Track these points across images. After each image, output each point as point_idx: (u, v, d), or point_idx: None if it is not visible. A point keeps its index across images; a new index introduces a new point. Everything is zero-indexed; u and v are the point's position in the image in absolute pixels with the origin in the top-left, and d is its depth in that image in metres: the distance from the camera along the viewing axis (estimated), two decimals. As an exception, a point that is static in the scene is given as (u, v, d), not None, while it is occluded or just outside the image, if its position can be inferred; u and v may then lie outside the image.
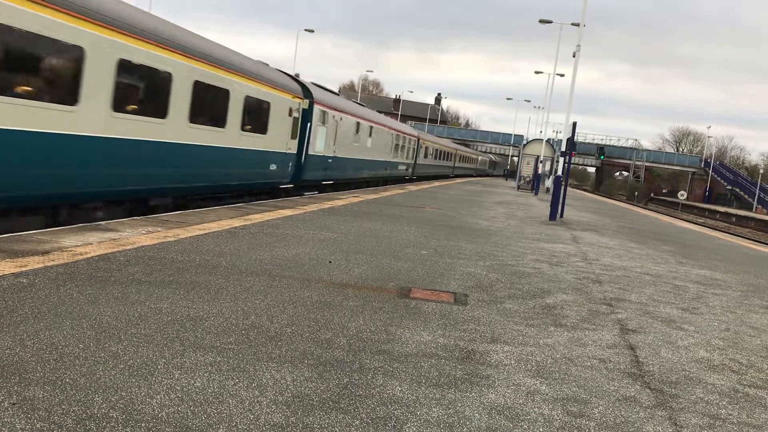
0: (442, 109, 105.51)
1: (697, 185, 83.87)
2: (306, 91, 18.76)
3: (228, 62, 13.39)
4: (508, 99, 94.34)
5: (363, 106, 29.15)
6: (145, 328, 4.62)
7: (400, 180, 37.12)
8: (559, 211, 19.75)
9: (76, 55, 8.73)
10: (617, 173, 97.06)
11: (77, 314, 4.74)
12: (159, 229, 8.92)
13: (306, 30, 53.59)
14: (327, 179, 22.05)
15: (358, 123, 24.96)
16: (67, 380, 3.58)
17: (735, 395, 4.71)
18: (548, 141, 48.42)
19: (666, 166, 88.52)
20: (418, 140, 41.01)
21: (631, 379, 4.79)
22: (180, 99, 11.46)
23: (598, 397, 4.33)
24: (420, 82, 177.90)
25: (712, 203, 75.25)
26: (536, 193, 40.02)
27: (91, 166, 9.50)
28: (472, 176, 72.95)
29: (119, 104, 9.81)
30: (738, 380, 5.08)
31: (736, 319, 7.45)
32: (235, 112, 13.75)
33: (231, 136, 13.75)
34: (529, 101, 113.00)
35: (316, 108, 19.17)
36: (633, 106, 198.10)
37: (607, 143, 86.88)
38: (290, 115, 17.32)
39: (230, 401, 3.56)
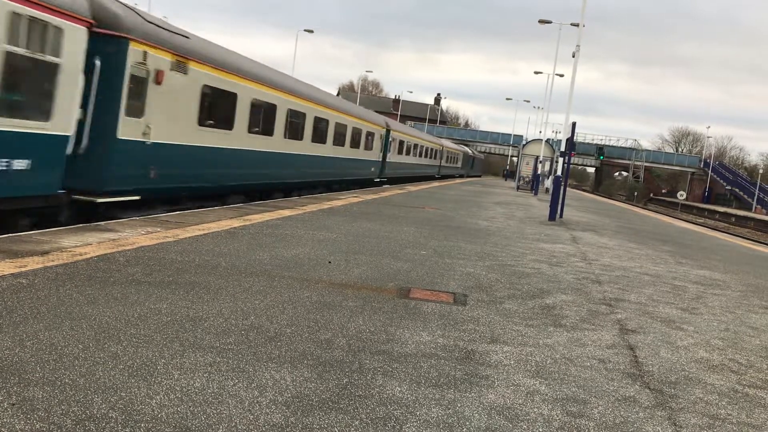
0: (441, 110, 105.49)
1: (696, 185, 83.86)
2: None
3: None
4: (507, 99, 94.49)
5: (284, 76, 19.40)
6: (144, 328, 4.62)
7: (362, 183, 28.47)
8: (559, 211, 19.75)
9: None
10: (617, 173, 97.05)
11: (77, 314, 4.74)
12: (158, 229, 8.91)
13: (306, 30, 53.58)
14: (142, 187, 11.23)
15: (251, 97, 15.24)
16: (67, 380, 3.58)
17: (734, 395, 4.71)
18: (548, 141, 48.40)
19: (665, 167, 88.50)
20: (388, 131, 31.98)
21: (631, 379, 4.80)
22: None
23: (597, 397, 4.33)
24: (419, 82, 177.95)
25: (712, 203, 75.23)
26: (536, 194, 40.03)
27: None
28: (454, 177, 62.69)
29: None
30: (737, 380, 5.08)
31: (736, 319, 7.45)
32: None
33: None
34: (528, 101, 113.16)
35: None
36: (632, 106, 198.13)
37: (607, 143, 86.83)
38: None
39: (230, 401, 3.56)
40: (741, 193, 79.73)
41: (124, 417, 3.23)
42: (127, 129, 10.43)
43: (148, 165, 11.17)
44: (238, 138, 14.86)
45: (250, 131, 15.50)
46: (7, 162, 8.14)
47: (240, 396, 3.65)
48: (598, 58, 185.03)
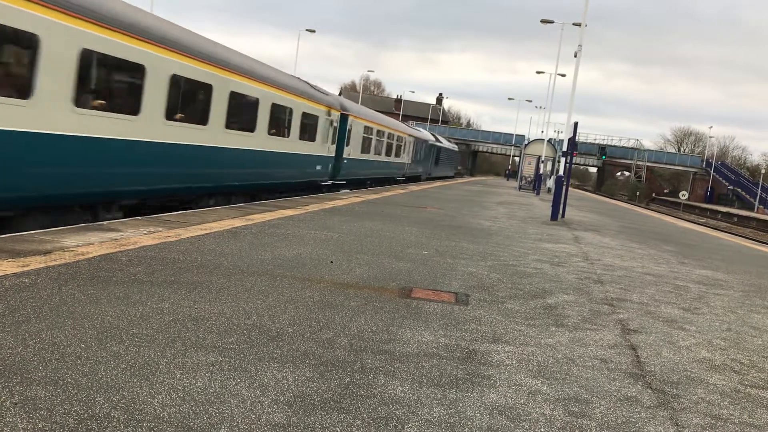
0: (443, 110, 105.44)
1: (698, 185, 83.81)
2: None
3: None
4: (509, 99, 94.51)
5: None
6: (146, 327, 4.63)
7: (312, 188, 21.72)
8: (561, 211, 19.73)
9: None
10: (619, 173, 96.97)
11: (79, 314, 4.75)
12: (160, 229, 8.92)
13: (307, 30, 53.59)
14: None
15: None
16: (69, 380, 3.58)
17: (737, 395, 4.71)
18: (549, 141, 48.41)
19: (667, 166, 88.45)
20: (346, 117, 23.96)
21: (633, 379, 4.79)
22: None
23: (599, 397, 4.33)
24: (420, 82, 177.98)
25: (714, 203, 75.16)
26: (538, 194, 40.00)
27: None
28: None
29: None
30: (740, 380, 5.08)
31: (738, 319, 7.44)
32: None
33: None
34: (530, 101, 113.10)
35: None
36: (633, 106, 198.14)
37: (609, 143, 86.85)
38: None
39: (232, 401, 3.56)
40: (743, 193, 79.66)
41: (126, 416, 3.23)
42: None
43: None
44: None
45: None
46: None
47: (242, 395, 3.65)
48: (598, 58, 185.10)
